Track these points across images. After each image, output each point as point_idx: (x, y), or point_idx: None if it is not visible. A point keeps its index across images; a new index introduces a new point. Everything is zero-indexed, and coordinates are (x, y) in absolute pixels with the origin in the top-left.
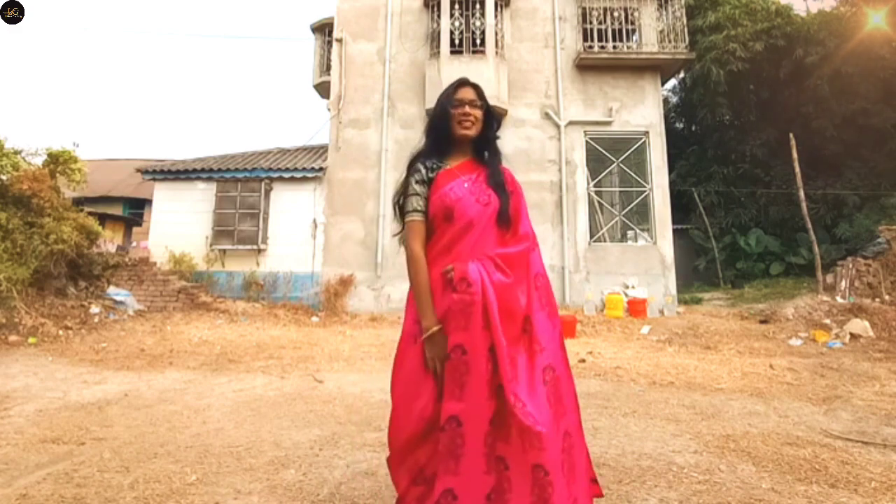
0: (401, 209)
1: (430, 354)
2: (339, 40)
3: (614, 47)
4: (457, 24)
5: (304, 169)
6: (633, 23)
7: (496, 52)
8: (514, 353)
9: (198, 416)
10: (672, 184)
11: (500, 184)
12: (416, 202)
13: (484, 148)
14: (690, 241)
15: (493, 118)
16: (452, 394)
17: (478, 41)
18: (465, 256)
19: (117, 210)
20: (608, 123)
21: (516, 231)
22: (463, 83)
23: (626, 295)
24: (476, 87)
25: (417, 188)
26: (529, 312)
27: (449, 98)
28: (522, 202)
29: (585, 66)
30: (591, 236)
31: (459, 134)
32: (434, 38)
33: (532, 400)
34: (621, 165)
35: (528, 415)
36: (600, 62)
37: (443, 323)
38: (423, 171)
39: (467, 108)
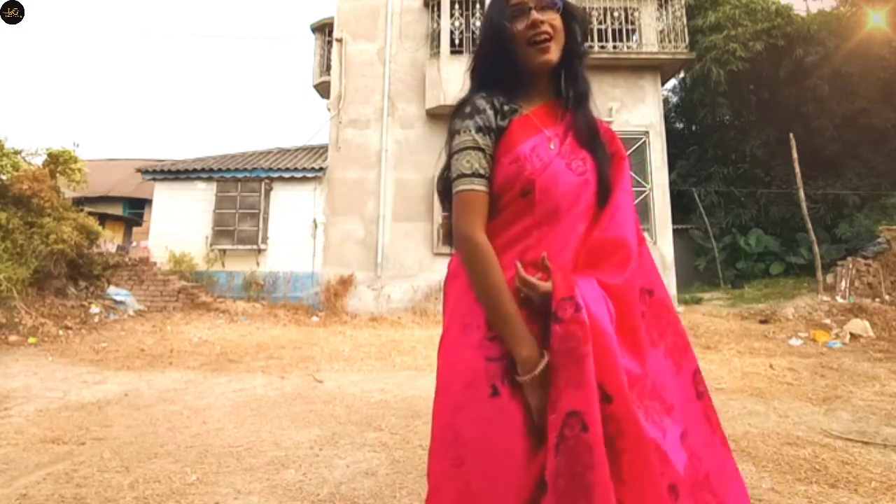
0: (446, 176)
1: (541, 402)
2: (339, 40)
3: (614, 47)
4: (457, 24)
5: (304, 169)
6: (633, 23)
7: None
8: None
9: (198, 416)
10: (672, 184)
11: (595, 136)
12: (474, 160)
13: (566, 78)
14: (690, 241)
15: (577, 22)
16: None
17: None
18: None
19: (117, 210)
20: (608, 123)
21: (614, 210)
22: None
23: None
24: None
25: (479, 139)
26: (639, 348)
27: (503, 9)
28: (624, 174)
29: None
30: None
31: (538, 62)
32: (434, 38)
33: None
34: None
35: None
36: (600, 62)
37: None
38: (489, 112)
39: (537, 15)
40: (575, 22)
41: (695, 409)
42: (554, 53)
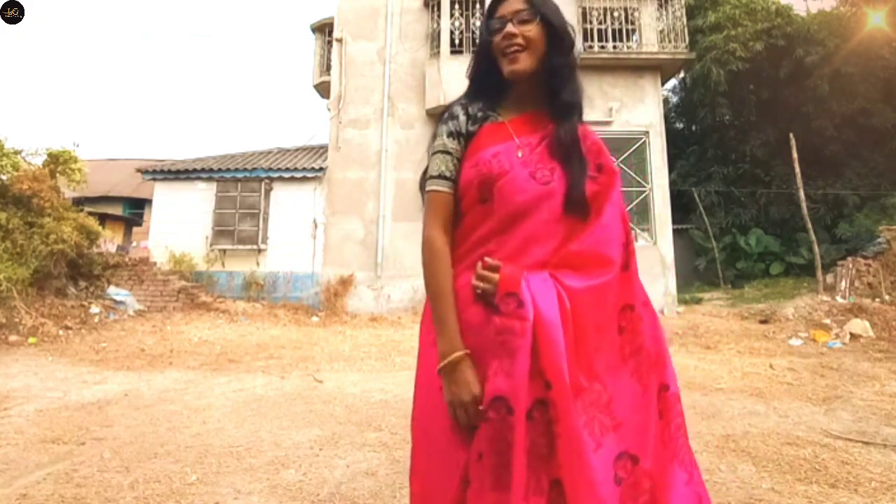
0: (422, 176)
1: (450, 397)
2: (339, 40)
3: (614, 47)
4: (457, 24)
5: (304, 169)
6: (633, 23)
7: None
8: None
9: (198, 416)
10: (672, 184)
11: (571, 148)
12: (442, 163)
13: (555, 89)
14: (690, 241)
15: (558, 33)
16: (496, 481)
17: (478, 41)
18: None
19: (117, 210)
20: (608, 123)
21: (597, 225)
22: None
23: None
24: None
25: (449, 143)
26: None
27: (487, 22)
28: (614, 187)
29: (585, 66)
30: None
31: (507, 72)
32: (434, 38)
33: None
34: (621, 165)
35: None
36: (600, 62)
37: (472, 355)
38: (462, 118)
39: (510, 28)
40: (558, 34)
41: (655, 429)
42: (523, 63)
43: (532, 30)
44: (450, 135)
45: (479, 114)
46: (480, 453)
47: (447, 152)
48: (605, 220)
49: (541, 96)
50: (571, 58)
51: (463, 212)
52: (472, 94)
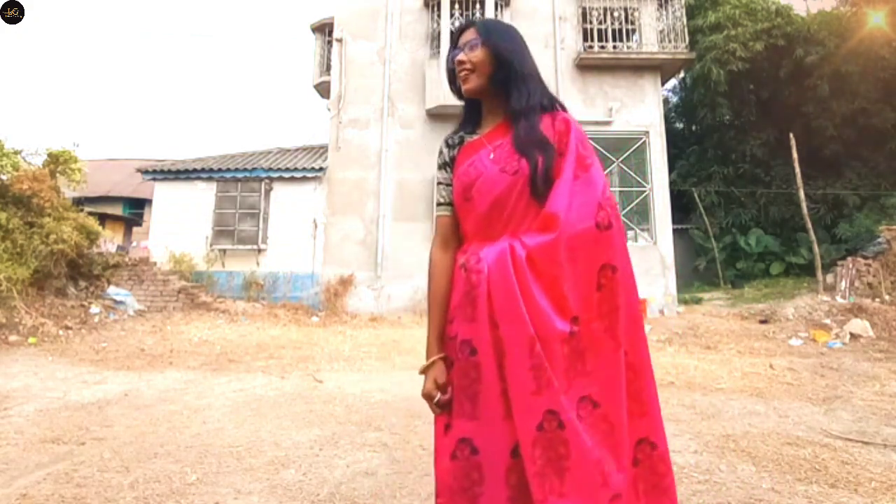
0: None
1: (423, 390)
2: (339, 40)
3: (614, 47)
4: (457, 24)
5: (304, 169)
6: (633, 23)
7: None
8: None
9: (198, 416)
10: (672, 184)
11: (532, 140)
12: (440, 193)
13: (507, 98)
14: (690, 241)
15: (501, 55)
16: (462, 409)
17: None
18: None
19: (117, 210)
20: (608, 123)
21: (551, 194)
22: (464, 27)
23: None
24: (478, 25)
25: (440, 175)
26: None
27: (451, 52)
28: (569, 157)
29: (585, 66)
30: None
31: (463, 90)
32: (434, 38)
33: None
34: (621, 165)
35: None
36: (600, 62)
37: (452, 322)
38: (445, 150)
39: (461, 55)
40: (504, 54)
41: (623, 383)
42: (472, 82)
43: (478, 55)
44: (440, 167)
45: (457, 139)
46: (453, 387)
47: (440, 182)
48: (555, 189)
49: (505, 106)
50: (522, 71)
51: (462, 215)
52: (462, 116)
